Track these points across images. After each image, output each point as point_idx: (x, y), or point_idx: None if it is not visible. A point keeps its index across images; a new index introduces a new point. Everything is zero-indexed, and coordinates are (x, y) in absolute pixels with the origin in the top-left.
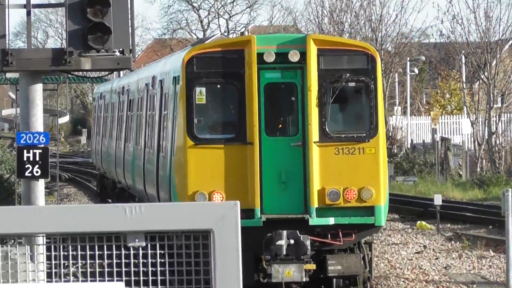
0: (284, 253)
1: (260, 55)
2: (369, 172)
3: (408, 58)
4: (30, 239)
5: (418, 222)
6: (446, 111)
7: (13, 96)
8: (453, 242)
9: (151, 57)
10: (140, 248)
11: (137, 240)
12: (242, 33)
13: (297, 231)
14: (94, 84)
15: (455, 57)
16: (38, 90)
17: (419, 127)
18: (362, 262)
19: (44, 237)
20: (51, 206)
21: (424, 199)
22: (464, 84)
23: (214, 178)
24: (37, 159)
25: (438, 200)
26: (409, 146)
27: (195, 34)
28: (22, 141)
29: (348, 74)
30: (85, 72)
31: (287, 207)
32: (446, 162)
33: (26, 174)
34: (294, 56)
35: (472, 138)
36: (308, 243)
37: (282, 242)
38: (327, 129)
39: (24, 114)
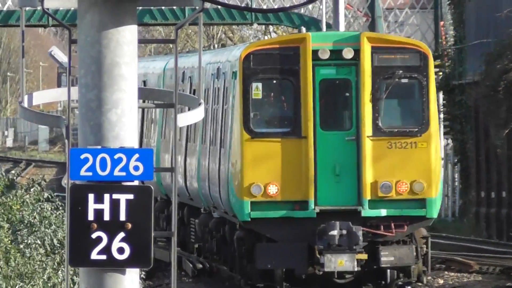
0: (337, 243)
1: (315, 52)
2: (420, 165)
3: None
4: None
5: None
6: None
7: (64, 58)
8: None
9: None
10: None
11: None
12: (299, 30)
13: (350, 222)
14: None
15: None
16: (125, 43)
17: None
18: (415, 254)
19: None
20: None
21: None
22: None
23: (269, 171)
24: (123, 217)
25: None
26: None
27: None
28: (83, 172)
29: (401, 71)
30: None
31: (340, 199)
32: None
33: (93, 256)
34: (348, 53)
35: None
36: (360, 233)
37: (335, 233)
38: (380, 124)
39: (90, 102)
